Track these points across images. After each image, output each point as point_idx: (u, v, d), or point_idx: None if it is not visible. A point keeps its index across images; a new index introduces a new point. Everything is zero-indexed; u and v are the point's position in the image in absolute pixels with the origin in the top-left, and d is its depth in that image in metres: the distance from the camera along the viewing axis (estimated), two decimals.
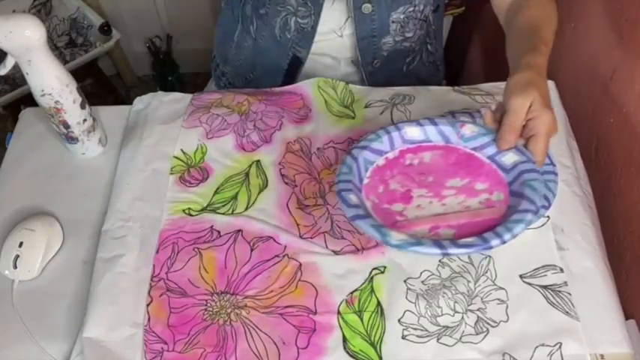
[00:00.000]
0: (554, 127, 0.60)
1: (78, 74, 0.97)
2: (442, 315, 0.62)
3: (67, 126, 0.75)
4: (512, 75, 0.63)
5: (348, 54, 0.91)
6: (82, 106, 0.75)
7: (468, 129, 0.65)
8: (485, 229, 0.57)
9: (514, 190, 0.61)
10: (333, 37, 0.89)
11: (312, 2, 0.84)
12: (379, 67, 0.92)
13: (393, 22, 0.86)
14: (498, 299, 0.63)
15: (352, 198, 0.60)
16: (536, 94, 0.59)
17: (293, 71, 0.93)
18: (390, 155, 0.66)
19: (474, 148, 0.65)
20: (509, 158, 0.62)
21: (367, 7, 0.83)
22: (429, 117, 0.68)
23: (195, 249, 0.68)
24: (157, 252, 0.68)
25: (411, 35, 0.90)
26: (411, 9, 0.86)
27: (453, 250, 0.55)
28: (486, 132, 0.64)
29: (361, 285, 0.65)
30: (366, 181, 0.64)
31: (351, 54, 0.91)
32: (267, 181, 0.74)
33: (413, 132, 0.66)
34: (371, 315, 0.63)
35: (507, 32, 0.77)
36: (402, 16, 0.86)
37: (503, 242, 0.55)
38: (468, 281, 0.64)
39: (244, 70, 0.98)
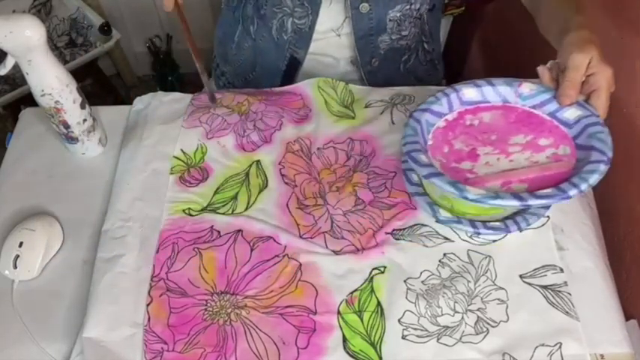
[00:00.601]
0: (613, 82, 0.61)
1: (78, 74, 0.97)
2: (442, 315, 0.62)
3: (67, 126, 0.75)
4: (567, 35, 0.63)
5: (346, 53, 0.91)
6: (82, 106, 0.75)
7: (526, 87, 0.65)
8: (557, 183, 0.58)
9: (581, 144, 0.61)
10: (332, 36, 0.89)
11: (310, 2, 0.84)
12: (377, 66, 0.92)
13: (390, 20, 0.86)
14: (498, 299, 0.63)
15: (422, 158, 0.60)
16: (595, 50, 0.60)
17: (291, 72, 0.93)
18: (450, 117, 0.66)
19: (533, 107, 0.65)
20: (572, 113, 0.62)
21: (365, 7, 0.83)
22: (485, 78, 0.68)
23: (195, 249, 0.68)
24: (157, 252, 0.68)
25: (407, 33, 0.90)
26: (407, 7, 0.86)
27: (532, 202, 0.55)
28: (545, 90, 0.64)
29: (361, 285, 0.65)
30: (430, 142, 0.65)
31: (349, 54, 0.91)
32: (267, 181, 0.74)
33: (470, 93, 0.66)
34: (371, 315, 0.63)
35: (542, 2, 0.75)
36: (398, 14, 0.86)
37: (581, 192, 0.55)
38: (468, 281, 0.64)
39: (244, 70, 0.99)
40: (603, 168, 0.57)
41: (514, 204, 0.55)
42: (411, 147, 0.61)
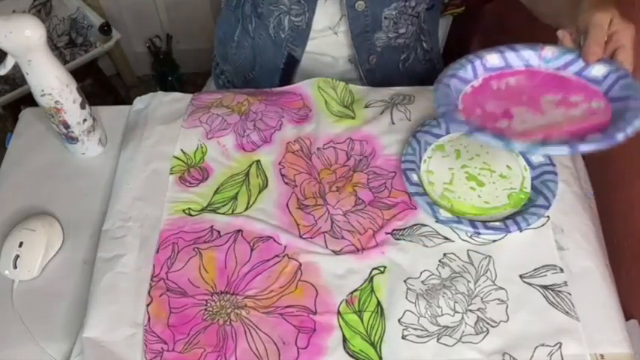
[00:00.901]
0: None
1: (78, 74, 0.97)
2: (442, 315, 0.62)
3: (67, 126, 0.75)
4: (582, 2, 0.63)
5: (344, 52, 0.92)
6: (82, 106, 0.75)
7: (549, 50, 0.65)
8: (598, 132, 0.57)
9: (614, 97, 0.60)
10: (329, 34, 0.89)
11: (305, 0, 0.84)
12: (375, 64, 0.92)
13: (385, 18, 0.87)
14: (498, 299, 0.63)
15: (459, 116, 0.60)
16: (615, 9, 0.61)
17: (289, 70, 0.93)
18: (475, 84, 0.66)
19: (557, 69, 0.65)
20: (599, 70, 0.62)
21: (360, 5, 0.84)
22: (507, 44, 0.67)
23: (195, 249, 0.68)
24: (157, 252, 0.68)
25: (404, 31, 0.90)
26: (403, 4, 0.86)
27: (583, 147, 0.54)
28: (567, 51, 0.64)
29: (361, 285, 0.65)
30: (460, 107, 0.63)
31: (347, 52, 0.92)
32: (267, 181, 0.74)
33: (493, 59, 0.66)
34: (371, 315, 0.63)
35: None
36: (394, 12, 0.86)
37: (627, 135, 0.54)
38: (468, 281, 0.64)
39: (244, 69, 0.99)
40: None
41: (563, 151, 0.54)
42: (445, 108, 0.60)
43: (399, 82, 0.86)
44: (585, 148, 0.54)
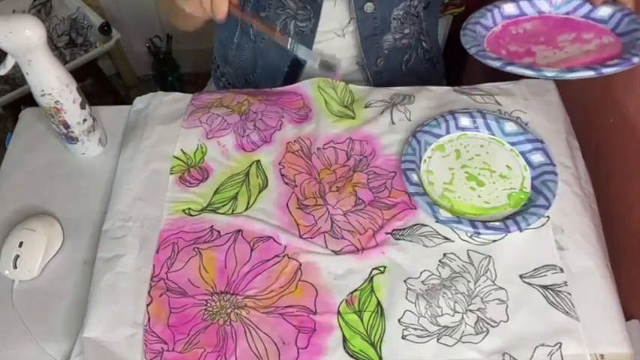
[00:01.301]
0: None
1: (78, 74, 0.97)
2: (442, 315, 0.62)
3: (67, 126, 0.75)
4: None
5: (350, 53, 0.91)
6: (82, 106, 0.75)
7: None
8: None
9: (622, 32, 0.68)
10: (334, 37, 0.89)
11: (311, 5, 0.84)
12: (382, 66, 0.92)
13: (394, 18, 0.87)
14: (498, 299, 0.63)
15: (490, 54, 0.68)
16: None
17: (294, 73, 0.93)
18: (496, 30, 0.74)
19: (567, 13, 0.73)
20: (605, 11, 0.70)
21: (369, 7, 0.84)
22: None
23: (195, 249, 0.68)
24: (157, 252, 0.68)
25: (408, 32, 0.90)
26: (408, 4, 0.87)
27: (606, 70, 0.61)
28: None
29: (361, 285, 0.65)
30: (488, 49, 0.71)
31: (353, 53, 0.91)
32: (267, 181, 0.74)
33: (509, 8, 0.75)
34: (371, 315, 0.63)
35: None
36: (401, 12, 0.87)
37: None
38: (468, 281, 0.64)
39: (244, 71, 0.98)
40: None
41: (589, 74, 0.61)
42: (475, 50, 0.69)
43: (403, 82, 0.86)
44: (607, 70, 0.61)
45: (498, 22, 0.75)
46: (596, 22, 0.71)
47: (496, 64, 0.65)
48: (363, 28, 0.86)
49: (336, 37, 0.89)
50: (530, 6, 0.75)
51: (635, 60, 0.61)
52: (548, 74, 0.62)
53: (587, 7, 0.71)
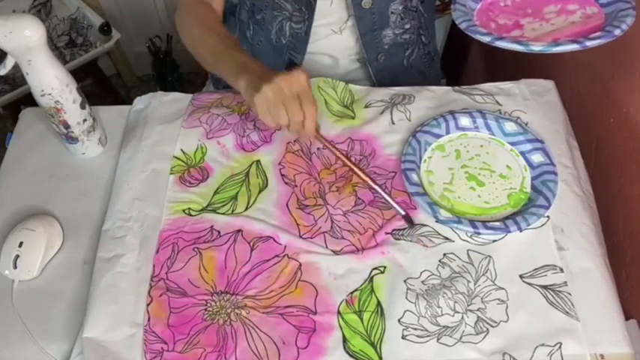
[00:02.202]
0: None
1: (78, 74, 0.97)
2: (442, 315, 0.62)
3: (67, 126, 0.75)
4: None
5: (348, 50, 0.91)
6: (82, 106, 0.75)
7: None
8: (597, 32, 0.66)
9: (604, 2, 0.70)
10: (331, 33, 0.89)
11: (306, 7, 0.84)
12: (384, 62, 0.92)
13: (392, 13, 0.87)
14: (498, 299, 0.63)
15: (480, 29, 0.69)
16: None
17: None
18: (484, 3, 0.76)
19: None
20: None
21: (367, 2, 0.84)
22: None
23: (195, 249, 0.68)
24: (157, 252, 0.68)
25: (409, 27, 0.90)
26: None
27: (589, 43, 0.63)
28: None
29: (361, 285, 0.65)
30: (477, 22, 0.73)
31: (352, 50, 0.91)
32: (267, 181, 0.74)
33: None
34: (371, 315, 0.63)
35: None
36: (400, 7, 0.87)
37: (623, 31, 0.63)
38: (468, 281, 0.64)
39: None
40: (633, 12, 0.65)
41: (574, 47, 0.63)
42: (466, 25, 0.70)
43: (405, 77, 0.86)
44: (591, 43, 0.63)
45: None
46: None
47: (486, 39, 0.67)
48: (362, 24, 0.86)
49: (333, 34, 0.89)
50: None
51: (617, 32, 0.63)
52: (535, 48, 0.63)
53: None
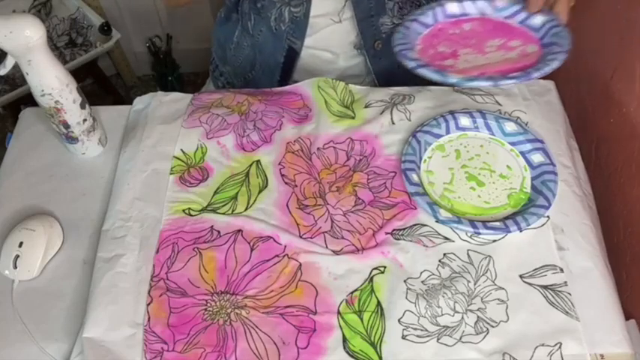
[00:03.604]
0: None
1: (78, 74, 0.97)
2: (442, 315, 0.62)
3: (67, 126, 0.75)
4: None
5: (347, 39, 0.91)
6: (82, 106, 0.75)
7: (500, 1, 0.75)
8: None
9: (545, 43, 0.70)
10: (331, 23, 0.89)
11: None
12: (381, 50, 0.92)
13: (389, 0, 0.87)
14: (498, 299, 0.63)
15: (411, 54, 0.70)
16: None
17: (290, 64, 0.93)
18: (435, 28, 0.76)
19: (506, 17, 0.75)
20: (538, 20, 0.72)
21: None
22: None
23: (195, 249, 0.68)
24: (157, 252, 0.68)
25: None
26: None
27: (503, 82, 0.64)
28: (515, 2, 0.74)
29: (361, 285, 0.65)
30: (419, 46, 0.74)
31: (351, 39, 0.91)
32: (267, 181, 0.74)
33: (453, 8, 0.76)
34: (371, 315, 0.63)
35: None
36: None
37: (543, 73, 0.64)
38: (468, 281, 0.64)
39: (243, 69, 0.99)
40: (562, 57, 0.65)
41: (487, 83, 0.65)
42: (402, 47, 0.71)
43: (401, 68, 0.85)
44: (503, 82, 0.64)
45: (440, 20, 0.76)
46: (529, 29, 0.72)
47: (411, 64, 0.68)
48: (359, 10, 0.87)
49: (333, 23, 0.89)
50: (474, 7, 0.76)
51: (534, 75, 0.63)
52: (450, 80, 0.64)
53: (526, 13, 0.72)
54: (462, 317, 0.62)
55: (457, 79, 0.64)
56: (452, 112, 0.77)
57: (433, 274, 0.65)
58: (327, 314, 0.63)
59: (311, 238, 0.69)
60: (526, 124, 0.76)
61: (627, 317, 0.65)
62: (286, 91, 0.85)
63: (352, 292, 0.64)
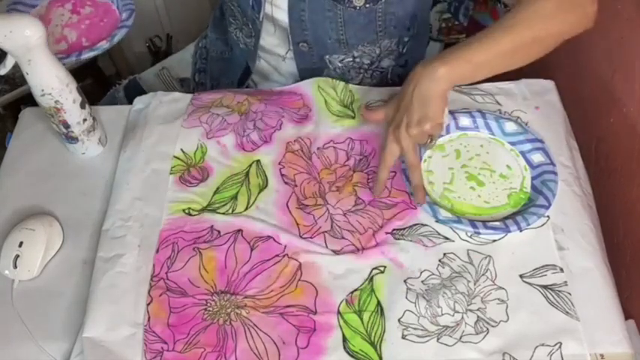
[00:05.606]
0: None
1: (78, 74, 0.97)
2: (442, 315, 0.62)
3: (67, 126, 0.75)
4: None
5: (292, 78, 0.91)
6: (82, 106, 0.75)
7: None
8: None
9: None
10: (278, 58, 0.90)
11: (252, 25, 0.85)
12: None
13: (330, 62, 0.86)
14: (498, 299, 0.63)
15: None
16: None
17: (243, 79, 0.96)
18: None
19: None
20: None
21: (304, 46, 0.84)
22: None
23: (195, 249, 0.68)
24: (157, 252, 0.68)
25: (367, 61, 0.87)
26: (350, 60, 0.86)
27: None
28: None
29: (361, 285, 0.65)
30: None
31: (295, 77, 0.90)
32: (267, 180, 0.74)
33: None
34: (371, 315, 0.63)
35: None
36: (339, 64, 0.86)
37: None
38: (468, 281, 0.64)
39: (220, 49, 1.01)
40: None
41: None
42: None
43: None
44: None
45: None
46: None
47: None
48: (300, 61, 0.87)
49: (280, 59, 0.89)
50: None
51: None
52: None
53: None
54: (462, 317, 0.62)
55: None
56: (452, 112, 0.77)
57: (433, 274, 0.65)
58: (327, 314, 0.63)
59: (311, 237, 0.69)
60: (526, 124, 0.76)
61: (627, 317, 0.65)
62: (286, 90, 0.85)
63: (352, 292, 0.64)
